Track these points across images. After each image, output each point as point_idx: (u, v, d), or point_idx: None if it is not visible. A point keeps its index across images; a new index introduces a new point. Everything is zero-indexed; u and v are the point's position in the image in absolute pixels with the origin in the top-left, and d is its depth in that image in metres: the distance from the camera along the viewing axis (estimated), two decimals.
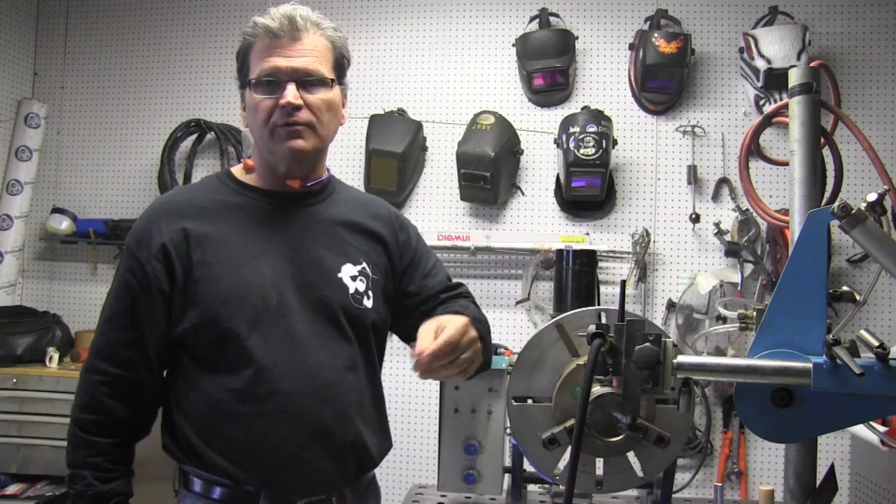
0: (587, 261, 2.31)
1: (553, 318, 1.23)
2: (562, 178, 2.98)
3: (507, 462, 1.70)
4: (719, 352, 2.85)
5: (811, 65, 1.15)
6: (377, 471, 1.41)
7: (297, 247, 1.30)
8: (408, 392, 3.09)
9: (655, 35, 2.91)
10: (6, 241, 3.25)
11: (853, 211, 0.96)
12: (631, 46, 3.05)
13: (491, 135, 2.95)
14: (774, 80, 2.79)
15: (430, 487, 1.84)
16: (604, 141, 2.85)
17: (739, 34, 2.96)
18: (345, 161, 3.15)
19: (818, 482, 1.12)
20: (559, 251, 2.37)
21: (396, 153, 2.97)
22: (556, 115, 3.08)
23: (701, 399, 2.87)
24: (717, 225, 2.91)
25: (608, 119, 2.93)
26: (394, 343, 1.46)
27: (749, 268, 2.88)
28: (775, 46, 2.81)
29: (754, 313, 1.15)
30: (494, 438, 1.63)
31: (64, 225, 3.29)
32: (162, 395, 1.32)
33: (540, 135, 3.12)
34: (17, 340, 3.00)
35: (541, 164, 3.13)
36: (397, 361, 2.96)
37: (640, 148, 3.09)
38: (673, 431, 1.07)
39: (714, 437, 2.93)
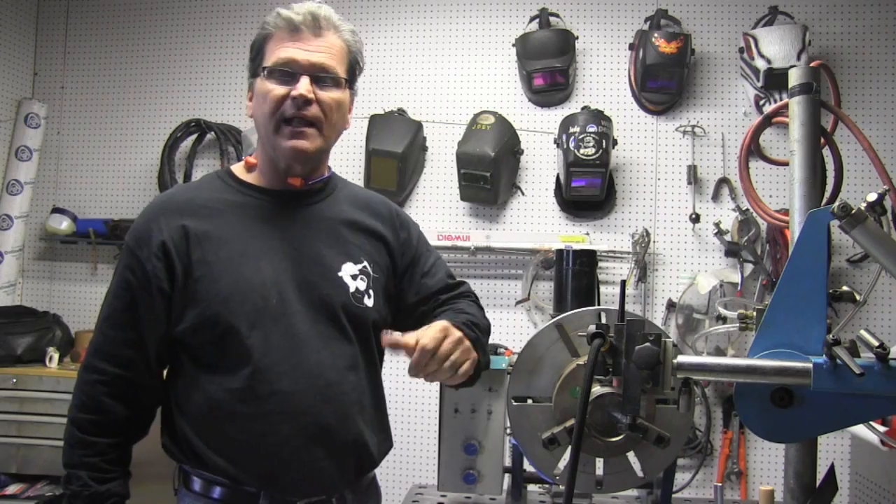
0: (587, 261, 2.31)
1: (553, 318, 1.23)
2: (562, 178, 2.98)
3: (507, 462, 1.70)
4: (719, 352, 2.85)
5: (811, 65, 1.15)
6: (377, 471, 1.41)
7: (298, 245, 1.30)
8: (408, 392, 3.09)
9: (655, 35, 2.91)
10: (6, 241, 3.25)
11: (853, 211, 0.96)
12: (631, 46, 3.05)
13: (491, 135, 2.95)
14: (774, 80, 2.79)
15: (430, 487, 1.84)
16: (604, 141, 2.85)
17: (739, 34, 2.96)
18: (345, 161, 3.15)
19: (818, 482, 1.12)
20: (559, 251, 2.37)
21: (396, 153, 2.97)
22: (556, 115, 3.08)
23: (701, 399, 2.87)
24: (717, 225, 2.91)
25: (608, 119, 2.93)
26: None
27: (749, 268, 2.88)
28: (775, 46, 2.81)
29: (754, 313, 1.15)
30: (494, 438, 1.63)
31: (64, 225, 3.29)
32: (160, 395, 1.32)
33: (540, 135, 3.12)
34: (17, 340, 3.00)
35: (541, 164, 3.13)
36: (397, 361, 2.96)
37: (640, 148, 3.09)
38: (673, 431, 1.07)
39: (714, 437, 2.93)
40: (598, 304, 2.44)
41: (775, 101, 2.83)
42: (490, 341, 1.42)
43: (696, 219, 2.98)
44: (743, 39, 2.92)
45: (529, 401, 1.14)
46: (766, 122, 1.31)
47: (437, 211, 3.18)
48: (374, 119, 3.07)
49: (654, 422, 1.07)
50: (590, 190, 2.92)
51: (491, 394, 1.62)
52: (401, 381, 3.07)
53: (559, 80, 3.03)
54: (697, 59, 3.05)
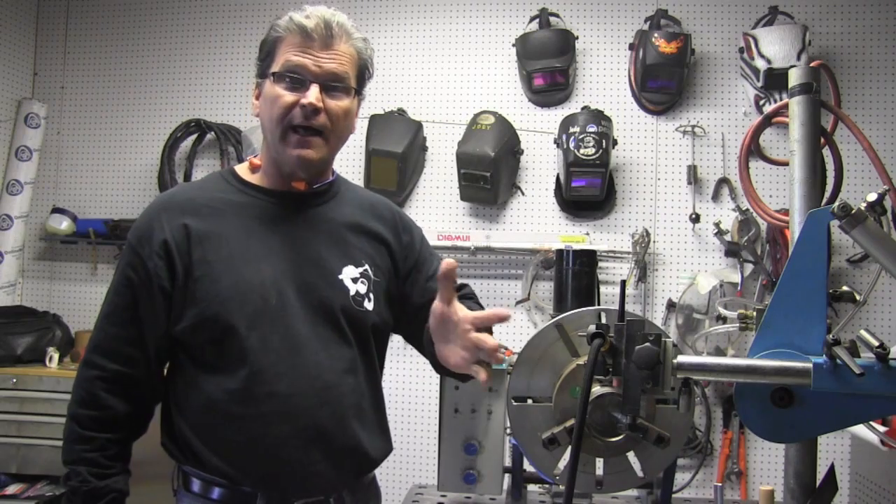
0: (587, 261, 2.31)
1: (553, 318, 1.22)
2: (562, 178, 2.98)
3: (507, 462, 1.70)
4: (719, 352, 2.85)
5: (811, 65, 1.15)
6: (377, 471, 1.41)
7: (300, 247, 1.30)
8: (408, 392, 3.09)
9: (655, 35, 2.91)
10: (6, 241, 3.25)
11: (853, 211, 0.96)
12: (631, 46, 3.05)
13: (491, 135, 2.95)
14: (774, 80, 2.79)
15: (430, 487, 1.84)
16: (604, 141, 2.85)
17: (739, 34, 2.96)
18: (345, 161, 3.15)
19: (818, 482, 1.12)
20: (559, 251, 2.37)
21: (396, 153, 2.97)
22: (556, 115, 3.08)
23: (701, 399, 2.87)
24: (717, 225, 2.91)
25: (608, 119, 2.93)
26: (394, 343, 1.45)
27: (749, 268, 2.88)
28: (775, 46, 2.81)
29: (754, 313, 1.14)
30: (494, 438, 1.63)
31: (64, 225, 3.29)
32: (160, 392, 1.32)
33: (540, 135, 3.12)
34: (17, 340, 3.00)
35: (541, 164, 3.13)
36: (398, 361, 2.96)
37: (640, 148, 3.09)
38: (673, 431, 1.07)
39: (714, 437, 2.93)
40: (598, 304, 2.44)
41: (775, 101, 2.83)
42: None
43: (696, 219, 2.98)
44: (743, 39, 2.92)
45: (529, 401, 1.14)
46: (766, 122, 1.31)
47: (437, 211, 3.18)
48: (374, 119, 3.07)
49: (654, 422, 1.07)
50: (590, 190, 2.92)
51: (491, 394, 1.62)
52: (401, 382, 3.08)
53: (559, 80, 3.04)
54: (697, 59, 3.05)
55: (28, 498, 2.76)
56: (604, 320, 1.03)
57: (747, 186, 1.34)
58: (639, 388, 0.95)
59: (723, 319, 2.63)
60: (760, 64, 2.82)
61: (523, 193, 3.13)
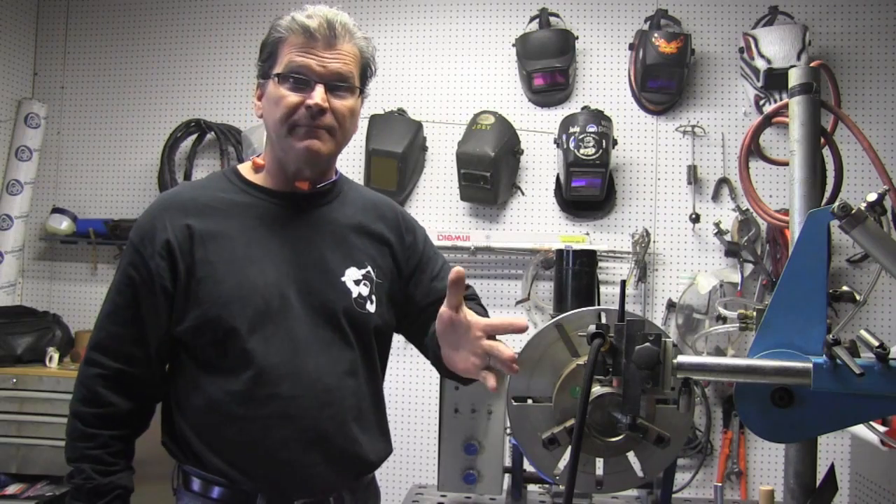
0: (587, 261, 2.31)
1: (553, 318, 1.22)
2: (562, 178, 2.98)
3: (507, 462, 1.70)
4: (719, 352, 2.85)
5: (811, 65, 1.15)
6: (377, 471, 1.41)
7: (302, 249, 1.29)
8: (408, 392, 3.09)
9: (655, 35, 2.91)
10: (6, 241, 3.25)
11: (853, 211, 0.96)
12: (631, 46, 3.05)
13: (491, 135, 2.95)
14: (774, 80, 2.79)
15: (430, 487, 1.84)
16: (604, 141, 2.85)
17: (739, 34, 2.96)
18: (345, 161, 3.15)
19: (818, 482, 1.12)
20: (559, 251, 2.37)
21: (396, 153, 2.97)
22: (556, 115, 3.08)
23: (701, 399, 2.87)
24: (717, 225, 2.91)
25: (608, 119, 2.93)
26: (395, 343, 1.45)
27: (749, 268, 2.88)
28: (775, 46, 2.81)
29: (754, 313, 1.14)
30: (494, 438, 1.63)
31: (64, 225, 3.29)
32: (161, 390, 1.32)
33: (540, 135, 3.12)
34: (17, 340, 3.00)
35: (541, 164, 3.13)
36: (398, 362, 2.96)
37: (640, 148, 3.09)
38: (673, 431, 1.07)
39: (714, 437, 2.93)
40: (598, 304, 2.44)
41: (775, 101, 2.83)
42: None
43: (696, 219, 2.98)
44: (743, 39, 2.92)
45: (529, 401, 1.14)
46: (766, 122, 1.31)
47: (437, 211, 3.18)
48: (374, 119, 3.07)
49: (654, 422, 1.07)
50: (590, 190, 2.92)
51: (491, 394, 1.61)
52: (401, 382, 3.08)
53: (559, 80, 3.04)
54: (697, 59, 3.05)
55: (28, 498, 2.76)
56: (604, 320, 1.03)
57: (747, 186, 1.34)
58: (639, 388, 0.95)
59: (723, 319, 2.63)
60: (760, 64, 2.82)
61: (523, 193, 3.13)
